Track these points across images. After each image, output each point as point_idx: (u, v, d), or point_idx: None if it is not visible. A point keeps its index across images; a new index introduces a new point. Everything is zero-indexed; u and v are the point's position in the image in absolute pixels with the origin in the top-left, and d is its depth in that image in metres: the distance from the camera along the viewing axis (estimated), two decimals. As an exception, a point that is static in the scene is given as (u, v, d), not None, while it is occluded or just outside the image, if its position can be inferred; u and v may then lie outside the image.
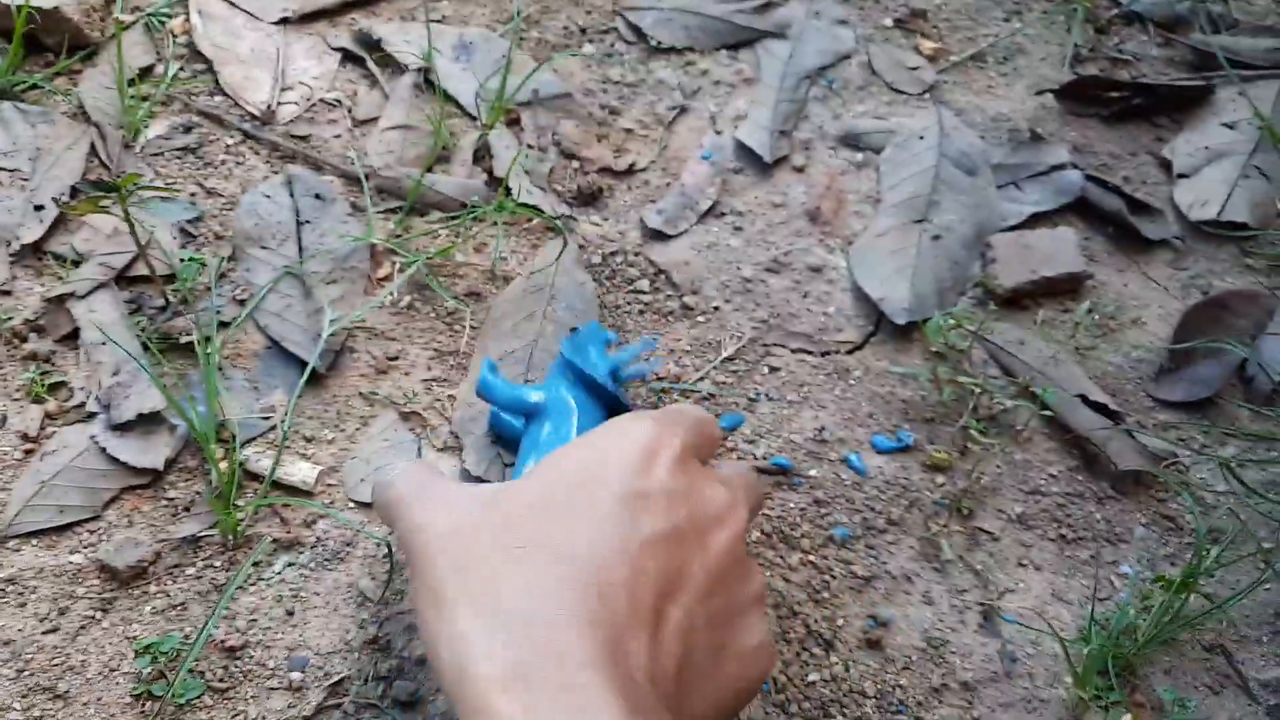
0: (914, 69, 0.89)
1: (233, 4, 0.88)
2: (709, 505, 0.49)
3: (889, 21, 0.92)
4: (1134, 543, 0.68)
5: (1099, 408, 0.71)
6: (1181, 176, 0.82)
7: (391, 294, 0.75)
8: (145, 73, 0.84)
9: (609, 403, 0.64)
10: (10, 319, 0.70)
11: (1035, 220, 0.80)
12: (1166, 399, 0.73)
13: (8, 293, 0.71)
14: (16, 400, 0.68)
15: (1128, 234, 0.80)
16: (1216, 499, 0.69)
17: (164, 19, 0.86)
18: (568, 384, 0.64)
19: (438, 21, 0.89)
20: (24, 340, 0.70)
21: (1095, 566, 0.67)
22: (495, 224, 0.78)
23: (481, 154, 0.82)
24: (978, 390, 0.72)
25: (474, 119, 0.84)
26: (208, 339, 0.70)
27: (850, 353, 0.75)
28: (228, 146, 0.81)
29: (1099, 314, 0.77)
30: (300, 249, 0.75)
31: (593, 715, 0.38)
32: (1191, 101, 0.86)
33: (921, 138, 0.83)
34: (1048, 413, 0.71)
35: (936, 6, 0.93)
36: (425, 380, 0.72)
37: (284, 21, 0.88)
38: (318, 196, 0.78)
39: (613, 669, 0.40)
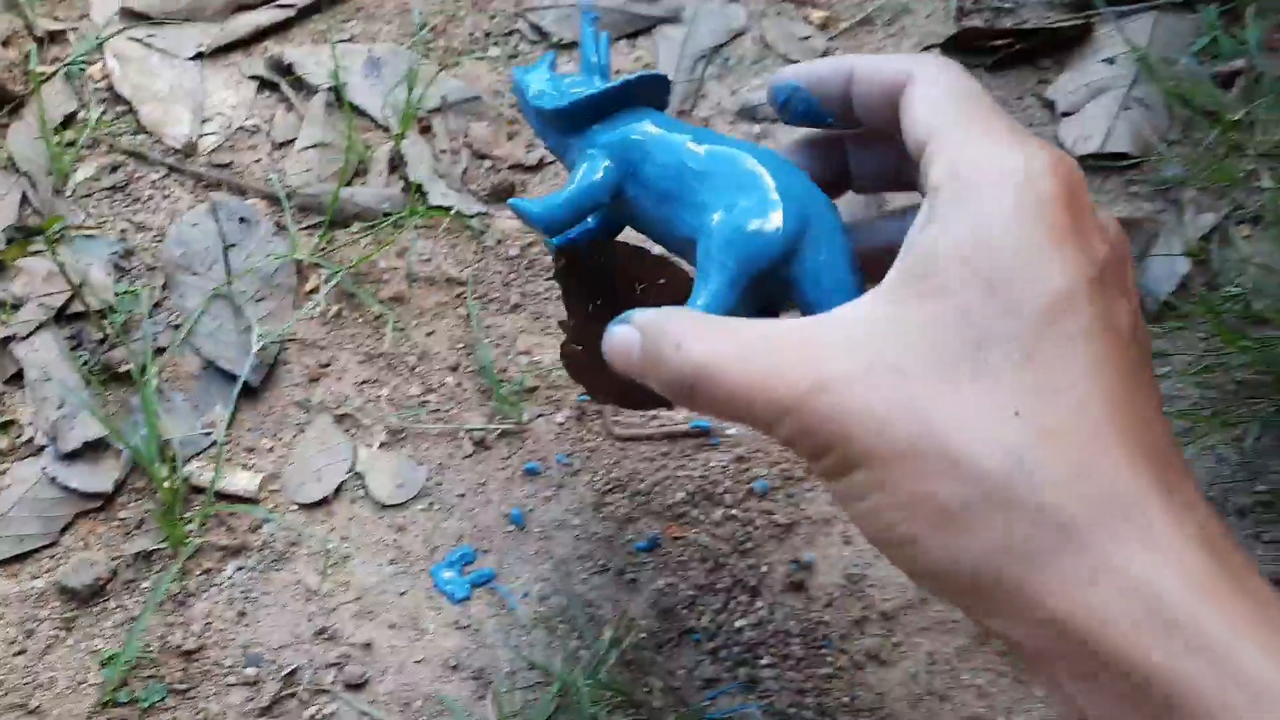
0: (805, 39, 0.92)
1: (147, 45, 0.91)
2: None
3: (780, -5, 0.96)
4: (1035, 466, 0.71)
5: (995, 342, 0.74)
6: (1065, 115, 0.86)
7: (318, 305, 0.78)
8: (70, 119, 0.87)
9: (645, 91, 0.48)
10: (-43, 366, 0.74)
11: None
12: (1061, 328, 0.77)
13: (-47, 342, 0.75)
14: (-31, 442, 0.72)
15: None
16: (1111, 417, 0.73)
17: (83, 66, 0.90)
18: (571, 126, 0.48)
19: (346, 41, 0.93)
20: (-28, 385, 0.74)
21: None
22: (413, 229, 0.82)
23: (396, 163, 0.86)
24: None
25: (388, 131, 0.88)
26: (144, 366, 0.74)
27: (760, 315, 0.79)
28: (153, 181, 0.84)
29: (993, 254, 0.81)
30: (228, 271, 0.79)
31: None
32: (1071, 41, 0.90)
33: (815, 104, 0.87)
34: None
35: (825, -24, 0.97)
36: (357, 383, 0.76)
37: (199, 56, 0.92)
38: (242, 220, 0.81)
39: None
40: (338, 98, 0.88)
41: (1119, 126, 0.84)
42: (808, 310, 0.43)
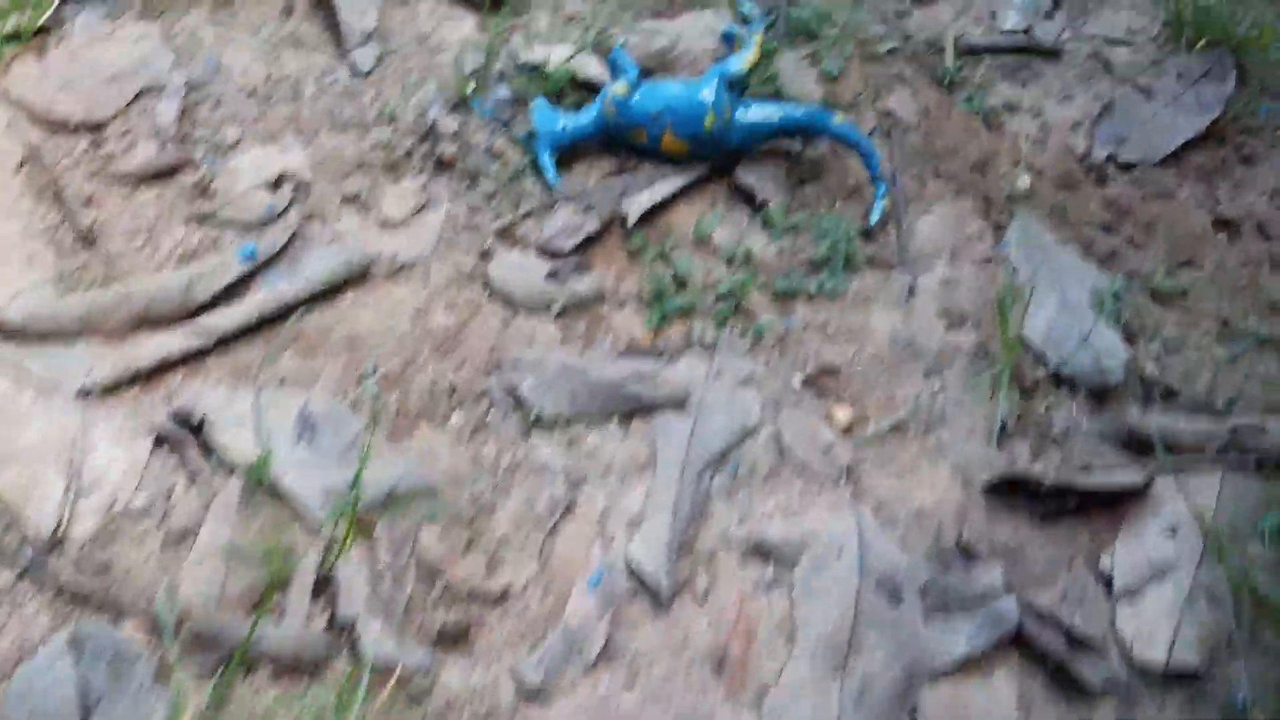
0: (828, 446, 0.79)
1: (21, 371, 0.72)
2: None
3: (798, 381, 0.82)
4: None
5: None
6: (1123, 597, 0.74)
7: (203, 809, 0.60)
8: (-99, 471, 0.68)
9: None
10: None
11: (968, 664, 0.70)
12: None
13: None
14: None
15: (1068, 678, 0.71)
16: None
17: (-70, 394, 0.70)
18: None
19: (277, 384, 0.75)
20: None
21: None
22: (337, 688, 0.64)
23: (323, 584, 0.68)
24: None
25: (317, 532, 0.70)
26: None
27: None
28: (1, 589, 0.65)
29: (1044, 796, 0.67)
30: (87, 750, 0.60)
31: None
32: (1129, 497, 0.78)
33: (839, 554, 0.73)
34: None
35: (849, 359, 0.83)
36: None
37: (86, 393, 0.73)
38: (112, 660, 0.63)
39: None
40: (258, 481, 0.71)
41: (1184, 628, 0.73)
42: None
